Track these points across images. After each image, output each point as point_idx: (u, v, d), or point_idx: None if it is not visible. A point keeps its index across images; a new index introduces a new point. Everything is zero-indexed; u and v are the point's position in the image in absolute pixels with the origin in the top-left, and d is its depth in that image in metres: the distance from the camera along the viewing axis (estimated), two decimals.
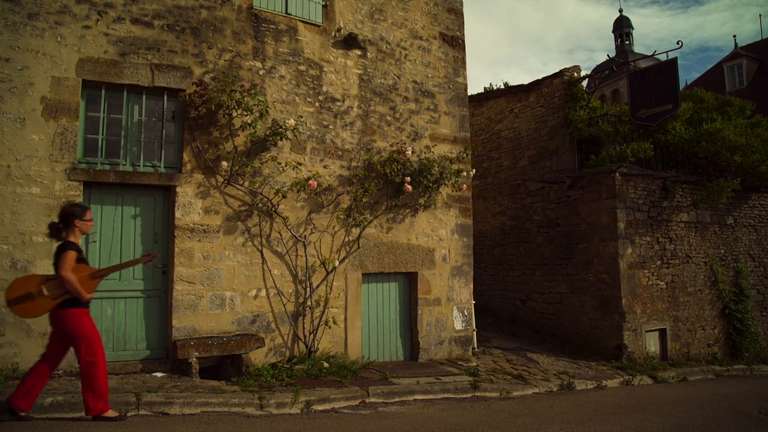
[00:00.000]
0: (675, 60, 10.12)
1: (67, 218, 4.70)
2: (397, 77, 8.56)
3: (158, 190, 6.79)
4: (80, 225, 4.74)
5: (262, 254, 7.19)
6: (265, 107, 7.09)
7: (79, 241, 4.81)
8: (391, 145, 8.20)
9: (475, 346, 9.04)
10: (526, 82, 13.39)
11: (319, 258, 7.57)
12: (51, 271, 4.86)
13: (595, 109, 11.17)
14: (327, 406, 5.78)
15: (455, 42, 9.22)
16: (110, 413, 4.62)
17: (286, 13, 7.75)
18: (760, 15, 58.00)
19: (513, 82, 23.07)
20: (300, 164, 7.49)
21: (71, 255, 4.54)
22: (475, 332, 9.04)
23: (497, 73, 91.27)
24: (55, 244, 4.74)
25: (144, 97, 6.76)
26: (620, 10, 38.73)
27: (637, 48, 36.90)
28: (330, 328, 7.49)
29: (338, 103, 7.99)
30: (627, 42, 37.29)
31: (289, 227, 7.38)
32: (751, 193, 12.12)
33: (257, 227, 7.20)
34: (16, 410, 4.46)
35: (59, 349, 4.66)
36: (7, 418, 4.44)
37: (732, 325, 11.21)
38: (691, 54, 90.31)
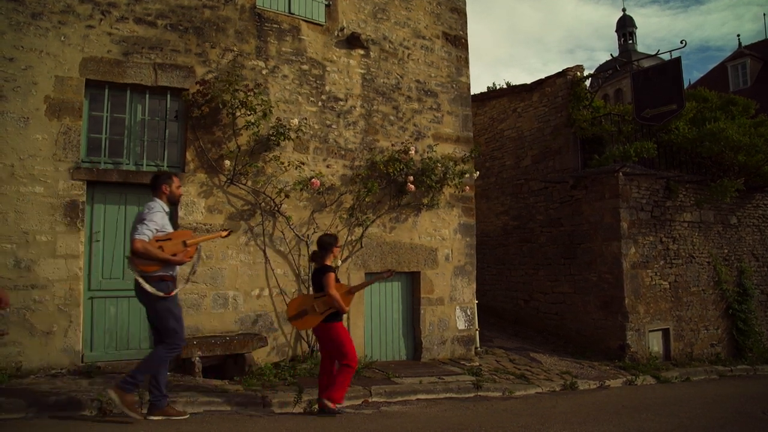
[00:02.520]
0: (679, 59, 10.09)
1: (327, 246, 5.59)
2: (400, 77, 8.55)
3: None
4: (336, 252, 5.68)
5: (264, 254, 7.19)
6: (269, 107, 7.09)
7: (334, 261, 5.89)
8: (393, 145, 8.20)
9: (478, 345, 9.03)
10: (526, 81, 13.38)
11: None
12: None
13: (599, 109, 11.15)
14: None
15: (458, 41, 9.21)
16: (335, 407, 5.30)
17: (289, 12, 7.75)
18: (765, 14, 57.82)
19: (513, 82, 23.02)
20: (303, 164, 7.49)
21: (332, 276, 5.39)
22: (477, 332, 9.04)
23: (497, 72, 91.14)
24: (313, 266, 5.77)
25: (147, 96, 6.77)
26: (623, 10, 38.72)
27: (638, 47, 36.74)
28: None
29: (341, 103, 7.98)
30: (630, 41, 37.23)
31: (292, 227, 7.38)
32: (754, 193, 12.08)
33: (260, 227, 7.20)
34: (328, 409, 5.32)
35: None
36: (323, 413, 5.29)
37: (735, 325, 11.18)
38: (692, 53, 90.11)
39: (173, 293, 4.65)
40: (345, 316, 7.65)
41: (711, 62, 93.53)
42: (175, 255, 4.61)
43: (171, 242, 4.64)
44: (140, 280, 4.48)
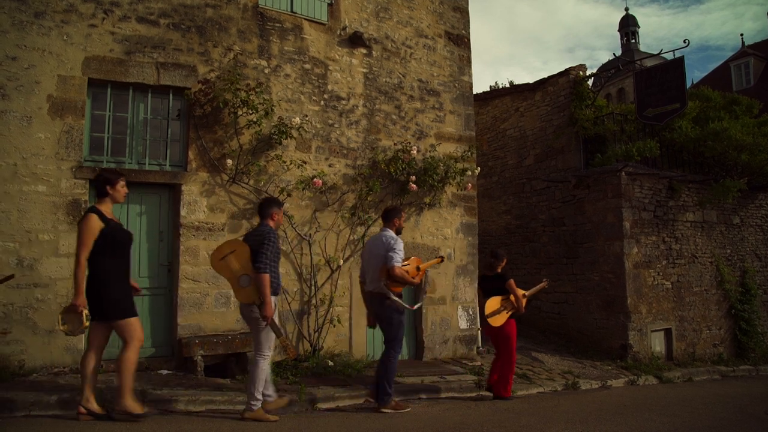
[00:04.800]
0: (682, 59, 10.08)
1: (500, 257, 6.78)
2: (403, 76, 8.55)
3: (163, 188, 6.80)
4: (505, 263, 6.87)
5: None
6: (271, 106, 7.09)
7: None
8: (396, 144, 8.19)
9: (480, 345, 9.02)
10: (527, 80, 13.40)
11: (323, 256, 7.57)
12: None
13: (601, 108, 11.13)
14: (331, 405, 5.78)
15: (460, 40, 9.20)
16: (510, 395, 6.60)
17: (292, 11, 7.75)
18: (767, 13, 57.60)
19: (514, 81, 22.96)
20: (305, 163, 7.49)
21: (513, 282, 6.61)
22: (479, 331, 9.02)
23: (497, 72, 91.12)
24: (487, 274, 6.89)
25: (149, 95, 6.78)
26: (626, 9, 38.66)
27: (640, 47, 36.69)
28: (335, 326, 7.50)
29: (343, 102, 7.98)
30: (633, 41, 37.14)
31: (294, 226, 7.38)
32: (758, 193, 12.04)
33: None
34: (501, 396, 6.52)
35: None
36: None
37: (738, 326, 11.15)
38: (692, 53, 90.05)
39: (415, 307, 6.31)
40: (347, 315, 7.69)
41: (711, 61, 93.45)
42: (414, 278, 5.78)
43: (409, 267, 5.75)
44: (391, 296, 5.57)
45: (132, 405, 4.47)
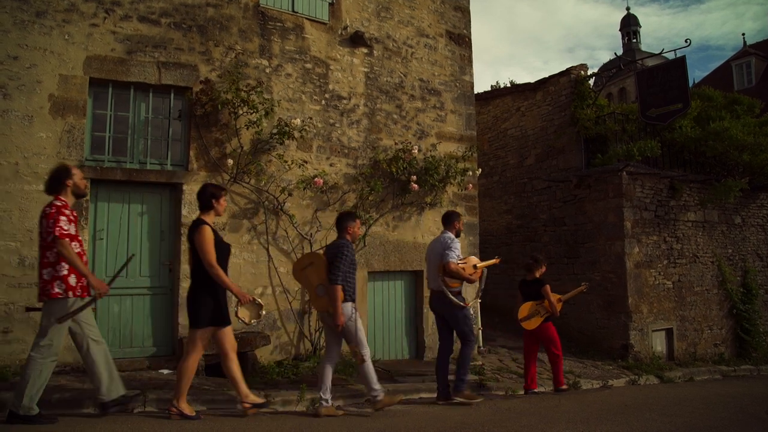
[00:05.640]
0: (684, 58, 10.07)
1: (540, 261, 7.27)
2: (404, 75, 8.54)
3: (165, 187, 6.80)
4: (544, 269, 7.31)
5: (268, 252, 7.20)
6: (271, 105, 7.09)
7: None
8: (397, 144, 8.19)
9: (481, 344, 9.02)
10: (527, 80, 13.38)
11: None
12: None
13: (602, 108, 11.12)
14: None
15: (462, 40, 9.19)
16: (566, 386, 7.22)
17: (293, 11, 7.75)
18: None
19: (515, 81, 22.94)
20: (306, 162, 7.49)
21: (549, 288, 7.02)
22: (480, 331, 9.02)
23: (497, 72, 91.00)
24: (527, 278, 7.24)
25: (151, 95, 6.78)
26: (627, 8, 38.58)
27: (641, 46, 36.67)
28: None
29: (344, 101, 7.98)
30: (635, 40, 37.10)
31: (295, 225, 7.39)
32: (759, 193, 12.03)
33: (263, 225, 7.20)
34: (531, 391, 7.00)
35: (537, 346, 7.13)
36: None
37: (739, 325, 11.15)
38: (693, 52, 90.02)
39: (469, 304, 6.24)
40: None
41: (712, 61, 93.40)
42: (471, 275, 6.04)
43: (466, 266, 6.02)
44: (447, 293, 5.84)
45: (185, 407, 4.71)
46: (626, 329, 9.61)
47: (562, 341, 10.68)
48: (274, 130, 7.14)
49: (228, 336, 4.80)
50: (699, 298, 10.68)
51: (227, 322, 4.77)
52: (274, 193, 7.24)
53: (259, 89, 6.95)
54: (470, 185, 8.82)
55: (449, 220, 6.26)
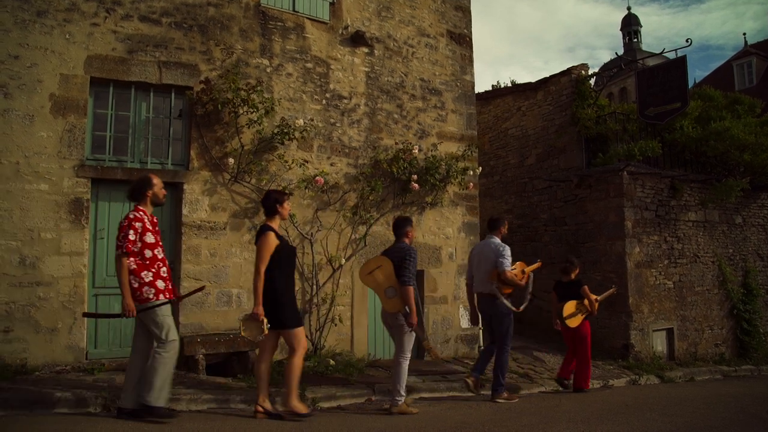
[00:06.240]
0: (684, 58, 10.04)
1: (575, 264, 7.63)
2: (404, 75, 8.54)
3: (165, 187, 6.75)
4: (578, 270, 7.72)
5: None
6: (271, 104, 7.09)
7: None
8: (397, 143, 8.19)
9: (481, 344, 9.01)
10: (528, 80, 13.34)
11: (325, 256, 7.57)
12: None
13: (603, 107, 11.10)
14: (333, 404, 5.79)
15: (462, 40, 9.19)
16: (590, 387, 7.51)
17: (294, 10, 7.74)
18: None
19: (515, 80, 22.96)
20: (307, 162, 7.49)
21: (588, 288, 7.44)
22: (481, 330, 9.02)
23: (497, 71, 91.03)
24: (563, 280, 7.59)
25: (151, 94, 6.78)
26: (628, 8, 38.54)
27: (642, 46, 36.64)
28: (336, 325, 7.50)
29: (345, 101, 7.98)
30: (635, 40, 37.09)
31: (296, 225, 7.39)
32: (760, 193, 12.00)
33: None
34: (564, 381, 7.35)
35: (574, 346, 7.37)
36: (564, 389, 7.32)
37: (740, 326, 11.13)
38: (693, 52, 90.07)
39: (520, 309, 6.34)
40: (349, 314, 7.69)
41: (712, 61, 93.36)
42: (521, 280, 6.32)
43: (515, 271, 6.31)
44: (502, 299, 6.17)
45: (298, 405, 4.86)
46: (627, 329, 9.60)
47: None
48: (275, 130, 7.14)
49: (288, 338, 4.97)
50: (700, 298, 10.67)
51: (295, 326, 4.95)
52: None
53: (259, 88, 6.95)
54: (471, 185, 8.82)
55: (495, 225, 6.52)
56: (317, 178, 7.35)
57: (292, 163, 7.34)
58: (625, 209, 9.85)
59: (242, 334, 4.89)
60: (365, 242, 7.88)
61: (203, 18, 7.06)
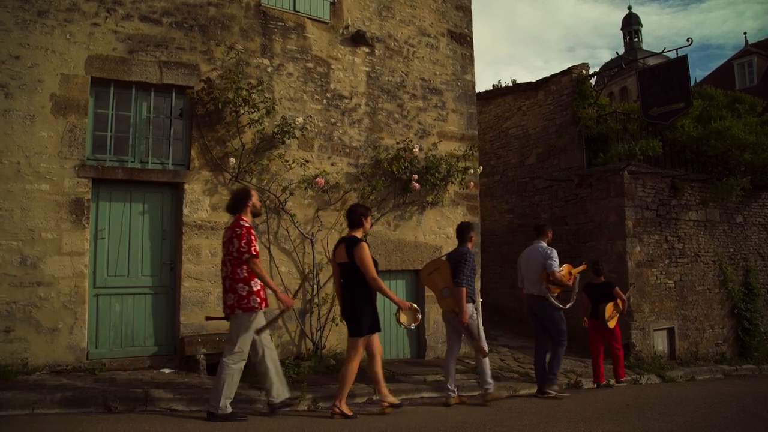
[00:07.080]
0: (685, 57, 10.05)
1: (603, 267, 8.05)
2: (405, 74, 8.54)
3: (166, 187, 6.81)
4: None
5: (269, 251, 7.19)
6: (272, 104, 7.09)
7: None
8: (398, 143, 8.18)
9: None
10: (528, 80, 13.34)
11: (326, 255, 7.57)
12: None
13: (604, 107, 11.11)
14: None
15: (463, 39, 9.18)
16: (625, 378, 7.98)
17: (294, 10, 7.74)
18: None
19: (516, 80, 22.99)
20: (307, 161, 7.49)
21: (619, 289, 7.86)
22: (482, 329, 9.01)
23: (497, 71, 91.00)
24: (593, 282, 7.92)
25: (152, 94, 6.78)
26: (629, 7, 38.53)
27: (642, 45, 36.62)
28: (337, 325, 7.49)
29: (346, 101, 7.98)
30: (636, 39, 37.07)
31: (297, 224, 7.39)
32: (761, 192, 12.01)
33: (264, 224, 7.20)
34: (609, 383, 7.70)
35: (602, 341, 7.70)
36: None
37: (741, 325, 11.14)
38: (693, 52, 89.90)
39: (567, 307, 6.64)
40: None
41: (712, 60, 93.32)
42: (569, 281, 6.70)
43: (563, 272, 6.67)
44: (551, 298, 6.51)
45: (389, 396, 5.36)
46: (628, 328, 9.59)
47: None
48: (276, 129, 7.14)
49: (376, 341, 5.27)
50: (700, 298, 10.67)
51: (379, 329, 5.26)
52: (275, 192, 7.24)
53: (260, 88, 6.95)
54: (471, 184, 8.81)
55: (542, 231, 6.92)
56: (318, 178, 7.34)
57: (293, 162, 7.34)
58: (625, 209, 9.86)
59: (400, 321, 5.38)
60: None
61: (204, 18, 7.06)
